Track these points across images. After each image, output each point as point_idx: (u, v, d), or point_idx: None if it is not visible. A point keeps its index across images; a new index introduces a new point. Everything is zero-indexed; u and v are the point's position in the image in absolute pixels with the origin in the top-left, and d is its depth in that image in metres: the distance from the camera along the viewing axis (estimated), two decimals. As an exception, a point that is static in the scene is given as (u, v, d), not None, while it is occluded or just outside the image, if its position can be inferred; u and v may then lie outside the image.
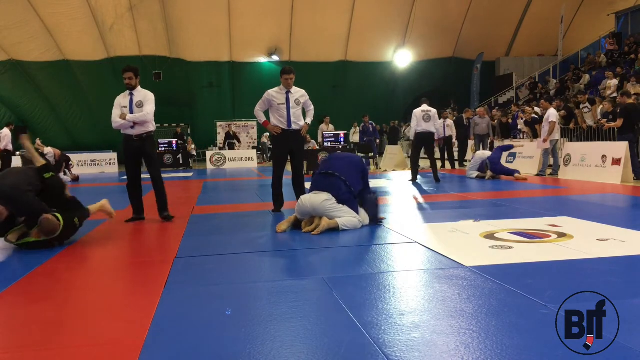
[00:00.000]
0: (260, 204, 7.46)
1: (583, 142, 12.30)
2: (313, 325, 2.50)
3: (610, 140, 11.17)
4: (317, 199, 5.02)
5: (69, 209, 4.73)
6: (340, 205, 5.03)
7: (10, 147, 12.99)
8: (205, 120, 23.52)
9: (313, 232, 4.83)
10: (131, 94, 5.96)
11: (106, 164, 19.29)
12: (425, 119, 9.86)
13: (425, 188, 9.10)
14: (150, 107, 5.91)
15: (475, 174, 10.48)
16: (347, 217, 5.01)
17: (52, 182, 4.75)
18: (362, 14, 22.58)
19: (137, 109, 5.89)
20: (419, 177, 10.49)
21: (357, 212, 5.17)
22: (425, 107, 9.97)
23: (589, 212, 5.89)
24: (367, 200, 5.30)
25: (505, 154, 12.28)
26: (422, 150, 10.69)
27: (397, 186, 9.63)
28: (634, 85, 13.68)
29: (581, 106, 13.95)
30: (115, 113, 5.94)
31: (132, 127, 5.87)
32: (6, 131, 12.85)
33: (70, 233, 4.71)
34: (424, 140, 10.02)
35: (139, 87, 6.05)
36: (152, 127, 6.01)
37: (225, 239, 4.86)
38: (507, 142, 13.97)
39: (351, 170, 5.24)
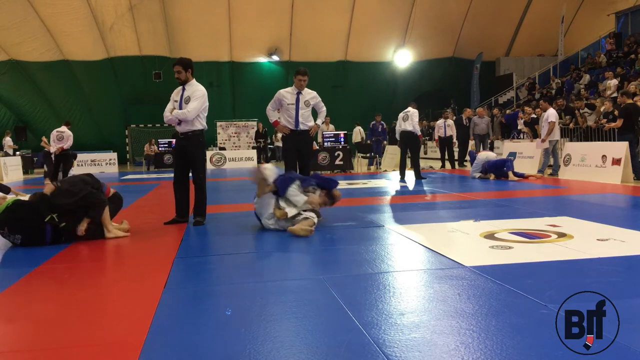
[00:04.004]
0: (260, 204, 7.44)
1: (583, 142, 12.30)
2: (313, 325, 2.50)
3: (610, 140, 11.17)
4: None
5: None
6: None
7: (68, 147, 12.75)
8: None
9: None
10: (183, 89, 5.66)
11: (106, 164, 19.28)
12: (403, 118, 10.48)
13: (424, 188, 9.10)
14: (193, 105, 5.54)
15: (478, 174, 10.49)
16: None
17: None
18: (362, 14, 22.58)
19: (185, 104, 5.58)
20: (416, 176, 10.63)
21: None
22: (407, 108, 10.54)
23: (589, 212, 5.89)
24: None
25: (505, 154, 12.46)
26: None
27: (396, 186, 9.63)
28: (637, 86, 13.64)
29: (581, 110, 13.96)
30: (168, 107, 5.71)
31: (179, 124, 5.65)
32: (68, 130, 12.66)
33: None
34: (405, 139, 10.51)
35: (192, 81, 5.70)
36: (199, 125, 5.69)
37: (225, 239, 4.86)
38: (507, 142, 14.01)
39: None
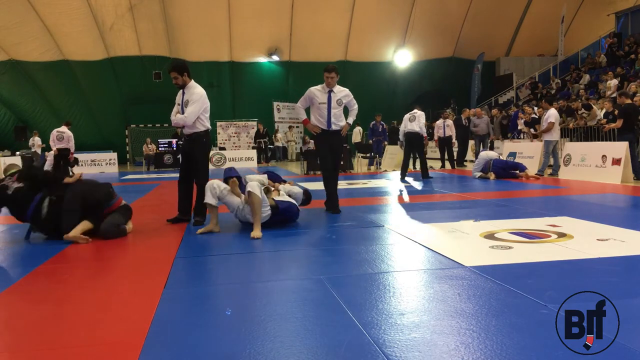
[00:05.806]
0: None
1: (583, 142, 12.30)
2: (313, 325, 2.50)
3: (610, 140, 11.16)
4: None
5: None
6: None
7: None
8: (205, 120, 23.44)
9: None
10: (183, 92, 5.68)
11: (106, 164, 19.28)
12: (410, 119, 10.65)
13: (424, 188, 9.10)
14: (191, 109, 5.56)
15: (478, 174, 10.50)
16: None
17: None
18: (362, 14, 22.57)
19: (185, 108, 5.62)
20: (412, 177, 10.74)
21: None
22: (414, 110, 10.77)
23: (589, 212, 5.89)
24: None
25: (505, 154, 12.47)
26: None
27: (396, 186, 9.63)
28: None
29: (579, 111, 13.96)
30: (173, 111, 5.74)
31: (184, 127, 5.71)
32: (69, 131, 12.72)
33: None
34: (412, 140, 10.65)
35: (190, 84, 5.69)
36: (201, 127, 5.70)
37: (225, 239, 4.86)
38: (507, 142, 14.01)
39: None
